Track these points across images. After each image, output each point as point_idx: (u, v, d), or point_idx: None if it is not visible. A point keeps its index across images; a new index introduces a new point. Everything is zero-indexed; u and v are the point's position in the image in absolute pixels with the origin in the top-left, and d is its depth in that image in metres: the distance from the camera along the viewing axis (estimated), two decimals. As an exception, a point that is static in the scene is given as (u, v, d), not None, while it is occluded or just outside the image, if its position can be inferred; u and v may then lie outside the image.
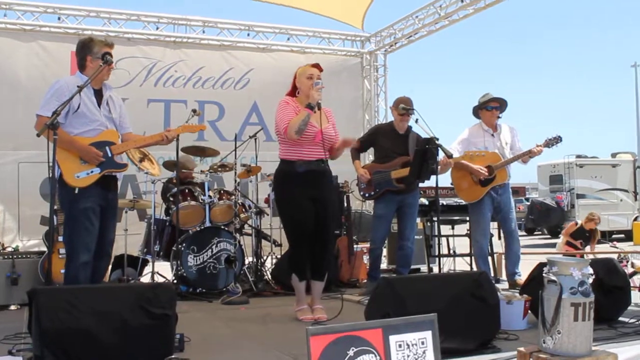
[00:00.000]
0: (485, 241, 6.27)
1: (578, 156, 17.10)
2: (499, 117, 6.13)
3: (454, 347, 3.43)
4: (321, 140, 4.53)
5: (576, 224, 9.89)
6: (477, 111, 6.17)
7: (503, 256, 7.21)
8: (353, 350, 2.54)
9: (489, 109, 6.05)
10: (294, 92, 4.76)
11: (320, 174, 4.60)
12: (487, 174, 5.88)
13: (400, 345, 2.65)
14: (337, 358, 2.47)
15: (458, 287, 3.68)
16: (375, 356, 2.57)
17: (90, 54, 4.29)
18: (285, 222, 4.75)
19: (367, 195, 6.06)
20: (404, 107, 5.73)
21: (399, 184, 5.77)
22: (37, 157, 6.84)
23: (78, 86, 3.97)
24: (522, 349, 3.11)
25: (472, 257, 6.54)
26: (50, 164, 3.69)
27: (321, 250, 4.66)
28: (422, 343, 2.71)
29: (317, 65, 4.70)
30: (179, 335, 3.59)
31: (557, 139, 5.90)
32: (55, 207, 4.41)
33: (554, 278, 3.04)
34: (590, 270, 3.08)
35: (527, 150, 5.93)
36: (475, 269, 6.36)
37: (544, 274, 3.13)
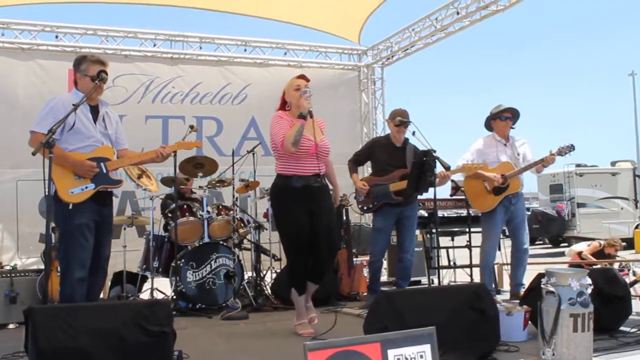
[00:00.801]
0: (494, 253, 6.24)
1: (578, 165, 17.08)
2: (512, 128, 6.15)
3: (454, 360, 3.41)
4: (317, 153, 4.54)
5: (599, 244, 9.72)
6: (490, 122, 6.18)
7: (503, 267, 7.21)
8: (351, 365, 2.52)
9: (503, 119, 6.06)
10: (283, 107, 4.76)
11: (316, 189, 4.59)
12: (501, 180, 5.87)
13: (399, 359, 2.63)
14: (336, 373, 2.45)
15: (457, 299, 3.67)
16: (374, 371, 2.55)
17: (78, 71, 4.31)
18: (283, 236, 4.72)
19: (365, 208, 6.06)
20: (400, 119, 5.74)
21: (397, 196, 5.76)
22: (35, 175, 6.85)
23: (73, 104, 3.98)
24: (521, 360, 3.10)
25: (472, 269, 6.53)
26: (46, 182, 3.67)
27: (322, 264, 4.66)
28: (421, 357, 2.69)
29: (302, 76, 4.73)
30: (177, 352, 3.57)
31: (570, 147, 5.87)
32: (53, 225, 4.40)
33: (552, 289, 3.03)
34: (589, 281, 3.08)
35: (540, 159, 5.88)
36: (477, 280, 6.34)
37: (542, 285, 3.12)
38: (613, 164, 18.31)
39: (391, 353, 2.63)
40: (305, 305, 4.66)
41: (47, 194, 3.67)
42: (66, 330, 2.89)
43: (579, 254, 9.53)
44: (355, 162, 6.05)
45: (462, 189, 6.71)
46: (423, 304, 3.56)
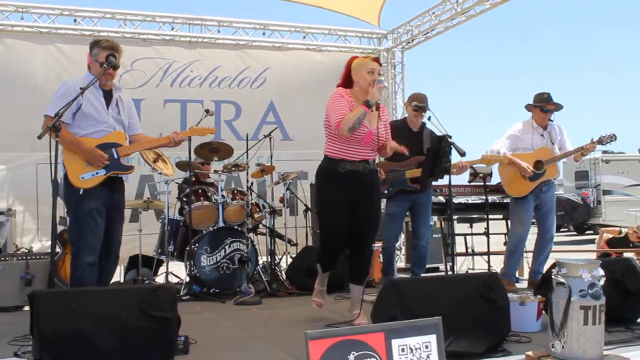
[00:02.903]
0: (526, 239, 6.13)
1: (604, 152, 16.69)
2: (550, 121, 6.04)
3: (462, 351, 3.36)
4: (370, 142, 4.29)
5: (620, 232, 9.49)
6: (531, 108, 6.07)
7: (524, 254, 7.09)
8: (354, 354, 2.48)
9: (545, 110, 5.94)
10: (345, 83, 4.42)
11: (363, 176, 4.32)
12: (532, 171, 5.78)
13: (403, 350, 2.59)
14: (338, 363, 2.41)
15: (467, 288, 3.60)
16: (377, 360, 2.51)
17: (90, 55, 4.30)
18: (321, 220, 4.54)
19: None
20: (416, 104, 5.64)
21: (413, 184, 5.68)
22: (59, 158, 6.88)
23: (81, 88, 3.97)
24: (530, 353, 3.03)
25: (490, 256, 6.44)
26: (54, 165, 3.68)
27: (361, 254, 4.47)
28: (426, 347, 2.65)
29: (377, 60, 4.39)
30: (184, 337, 3.57)
31: (612, 137, 5.75)
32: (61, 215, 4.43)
33: (562, 280, 2.95)
34: (601, 272, 2.98)
35: (580, 147, 5.78)
36: (493, 268, 6.25)
37: (552, 276, 3.03)
38: (641, 150, 17.91)
39: (395, 343, 2.58)
40: (351, 313, 4.45)
41: (53, 178, 3.66)
42: (69, 315, 2.90)
43: (607, 241, 9.30)
44: None
45: (481, 175, 6.61)
46: (431, 293, 3.50)
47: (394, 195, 5.83)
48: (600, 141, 5.77)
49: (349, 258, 4.57)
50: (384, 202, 6.23)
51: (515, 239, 6.02)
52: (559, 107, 6.00)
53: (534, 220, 6.17)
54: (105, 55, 4.19)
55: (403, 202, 5.80)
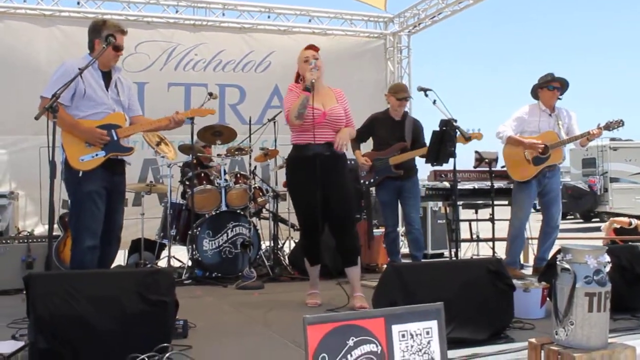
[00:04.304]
0: (526, 225, 6.14)
1: (612, 139, 16.57)
2: (559, 99, 5.94)
3: (464, 337, 3.31)
4: (325, 122, 4.47)
5: (630, 223, 9.35)
6: (537, 90, 5.97)
7: (528, 241, 7.03)
8: (353, 340, 2.43)
9: (551, 88, 5.85)
10: (298, 79, 4.71)
11: (329, 158, 4.48)
12: (542, 148, 5.70)
13: (403, 335, 2.53)
14: (336, 348, 2.36)
15: (470, 274, 3.55)
16: (377, 346, 2.45)
17: (99, 37, 4.23)
18: (295, 206, 4.69)
19: (367, 182, 6.05)
20: (401, 96, 5.82)
21: (397, 170, 5.78)
22: (57, 142, 6.84)
23: (79, 68, 3.91)
24: (533, 340, 2.96)
25: (494, 242, 6.39)
26: (51, 147, 3.64)
27: (342, 234, 4.55)
28: (427, 333, 2.59)
29: (311, 46, 4.67)
30: (182, 322, 3.55)
31: (619, 123, 5.65)
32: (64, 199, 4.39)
33: (567, 266, 2.87)
34: (607, 258, 2.90)
35: (586, 132, 5.67)
36: (498, 254, 6.21)
37: (557, 262, 2.96)
38: (649, 138, 17.75)
39: (395, 329, 2.53)
40: (352, 296, 4.51)
41: (50, 159, 3.61)
42: (65, 298, 2.86)
43: (615, 230, 9.17)
44: (357, 139, 5.98)
45: (487, 160, 6.53)
46: (434, 279, 3.45)
47: (381, 182, 5.91)
48: (607, 126, 5.66)
49: (336, 244, 4.63)
50: (374, 191, 6.30)
51: (516, 224, 5.98)
52: (564, 82, 5.90)
53: (539, 208, 6.11)
54: (105, 35, 4.13)
55: (390, 188, 5.89)
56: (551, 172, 5.88)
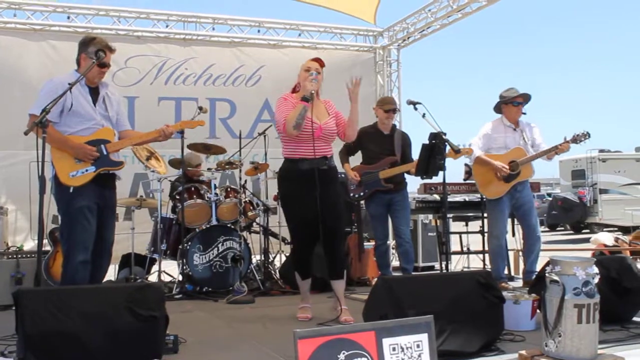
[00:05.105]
0: (504, 238, 6.20)
1: (601, 150, 16.71)
2: (523, 114, 6.00)
3: (455, 350, 3.32)
4: (322, 135, 4.45)
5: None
6: (501, 106, 6.03)
7: (520, 253, 7.06)
8: (344, 354, 2.44)
9: (516, 104, 5.92)
10: (296, 89, 4.68)
11: (323, 172, 4.45)
12: (508, 171, 5.76)
13: (394, 349, 2.55)
14: (327, 362, 2.37)
15: (460, 287, 3.56)
16: (368, 360, 2.47)
17: (85, 52, 4.24)
18: (288, 219, 4.66)
19: (356, 196, 6.07)
20: (389, 108, 5.90)
21: (387, 184, 5.82)
22: (47, 157, 6.80)
23: (69, 84, 3.92)
24: (523, 352, 2.99)
25: (485, 255, 6.42)
26: (40, 162, 3.63)
27: (331, 248, 4.51)
28: (418, 346, 2.61)
29: (318, 60, 4.62)
30: (173, 337, 3.52)
31: (585, 135, 5.70)
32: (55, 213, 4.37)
33: (556, 278, 2.91)
34: (596, 270, 2.93)
35: (554, 146, 5.72)
36: (489, 266, 6.23)
37: (546, 274, 2.99)
38: (638, 149, 17.90)
39: (386, 342, 2.54)
40: (338, 309, 4.45)
41: (40, 174, 3.61)
42: (54, 313, 2.85)
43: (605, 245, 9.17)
44: (346, 152, 6.01)
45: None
46: (424, 292, 3.45)
47: (370, 196, 5.95)
48: (574, 140, 5.70)
49: (325, 257, 4.59)
50: (364, 204, 6.33)
51: (494, 241, 6.03)
52: (527, 97, 5.97)
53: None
54: (94, 51, 4.14)
55: (380, 202, 5.92)
56: (521, 186, 5.92)
